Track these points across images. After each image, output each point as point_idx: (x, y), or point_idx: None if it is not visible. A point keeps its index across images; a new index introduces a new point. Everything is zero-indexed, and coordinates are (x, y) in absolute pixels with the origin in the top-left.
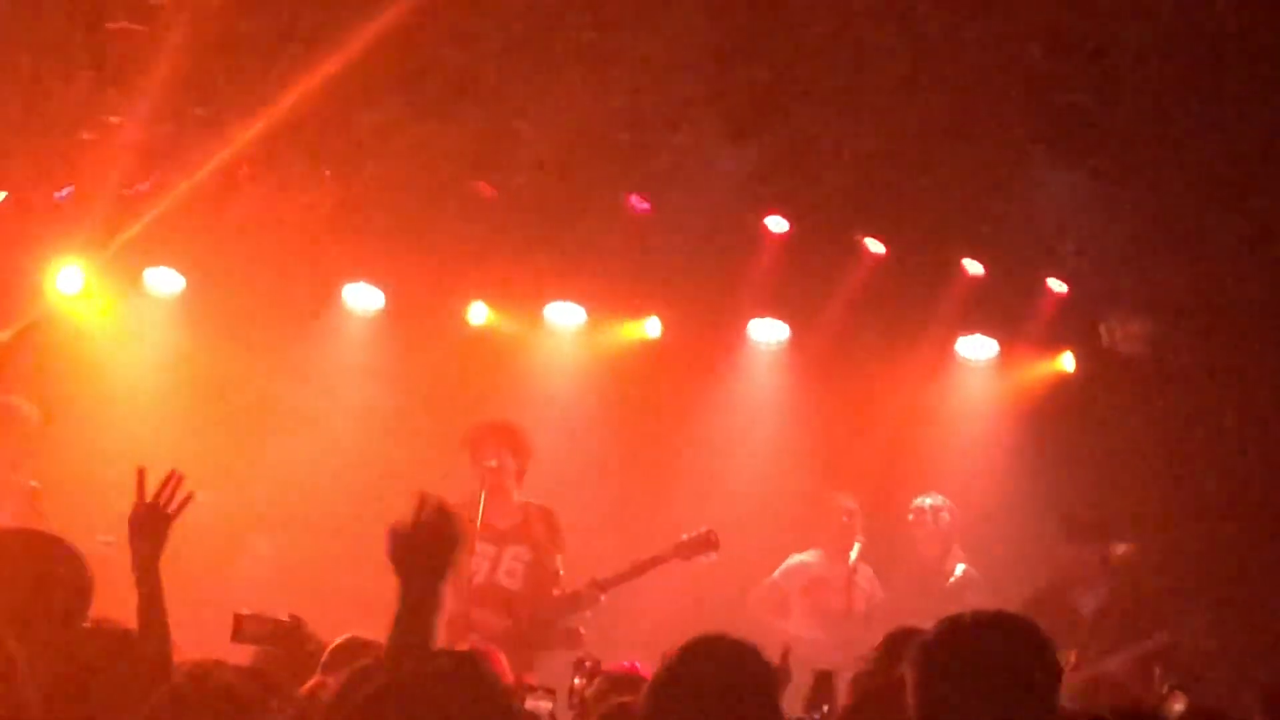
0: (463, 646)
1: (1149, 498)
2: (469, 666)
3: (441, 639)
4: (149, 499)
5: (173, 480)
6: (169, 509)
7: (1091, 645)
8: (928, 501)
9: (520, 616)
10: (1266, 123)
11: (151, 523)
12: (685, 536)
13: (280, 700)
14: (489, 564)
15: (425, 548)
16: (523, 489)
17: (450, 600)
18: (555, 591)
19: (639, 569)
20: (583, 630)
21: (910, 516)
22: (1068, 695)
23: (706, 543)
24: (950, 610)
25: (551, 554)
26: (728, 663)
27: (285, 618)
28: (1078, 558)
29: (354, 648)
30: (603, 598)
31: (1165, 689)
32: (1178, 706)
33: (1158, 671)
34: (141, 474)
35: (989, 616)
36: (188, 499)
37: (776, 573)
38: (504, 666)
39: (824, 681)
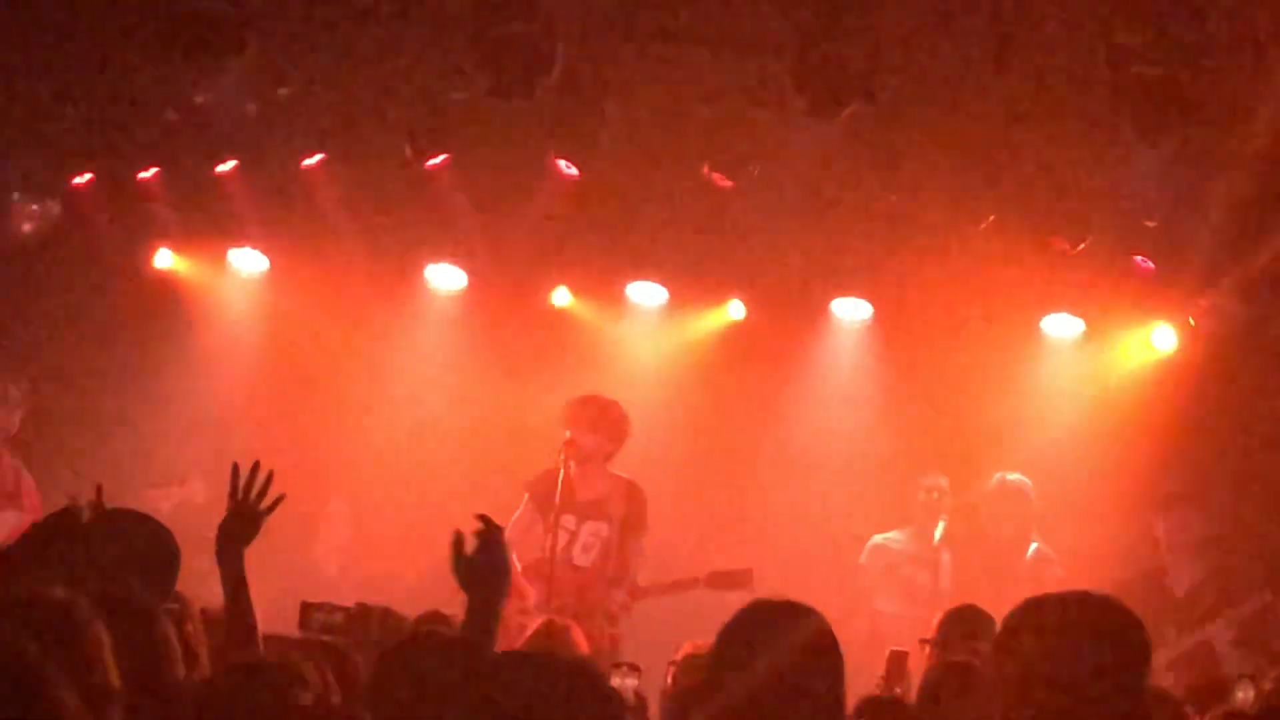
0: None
1: (1240, 477)
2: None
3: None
4: (241, 497)
5: (261, 475)
6: (260, 507)
7: (1186, 621)
8: (1003, 479)
9: (566, 601)
10: None
11: (244, 523)
12: (723, 569)
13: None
14: (567, 538)
15: (485, 573)
16: (611, 467)
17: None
18: (619, 567)
19: (671, 588)
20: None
21: (988, 496)
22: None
23: (740, 580)
24: (1024, 590)
25: (630, 533)
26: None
27: (352, 606)
28: (1168, 537)
29: (435, 621)
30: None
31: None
32: (1244, 693)
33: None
34: (237, 470)
35: (1074, 596)
36: (279, 499)
37: (862, 556)
38: (581, 640)
39: (897, 662)
